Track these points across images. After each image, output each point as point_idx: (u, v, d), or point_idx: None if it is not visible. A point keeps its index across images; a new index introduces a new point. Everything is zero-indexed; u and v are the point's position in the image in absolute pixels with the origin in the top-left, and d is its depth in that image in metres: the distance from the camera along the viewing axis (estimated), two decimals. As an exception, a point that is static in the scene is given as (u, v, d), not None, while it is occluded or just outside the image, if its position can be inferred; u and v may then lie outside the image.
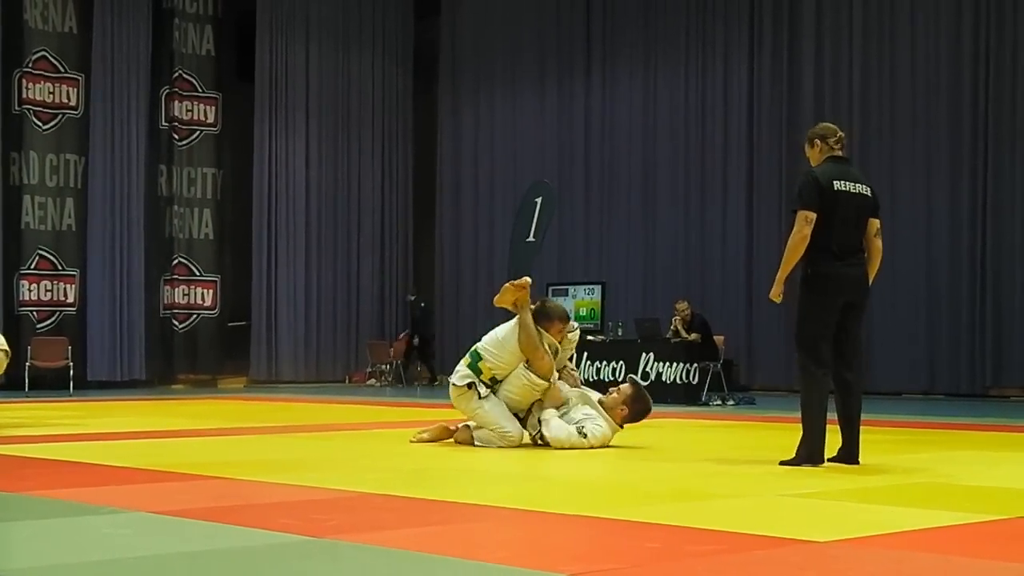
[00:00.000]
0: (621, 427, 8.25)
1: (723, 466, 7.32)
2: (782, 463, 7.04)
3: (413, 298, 23.16)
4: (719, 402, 15.55)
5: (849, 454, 7.08)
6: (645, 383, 8.55)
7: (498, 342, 8.34)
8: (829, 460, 7.05)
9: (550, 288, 17.50)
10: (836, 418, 7.11)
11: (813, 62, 18.96)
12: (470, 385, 8.29)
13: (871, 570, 3.95)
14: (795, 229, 7.01)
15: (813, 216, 6.97)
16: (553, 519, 4.99)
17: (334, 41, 23.45)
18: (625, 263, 21.01)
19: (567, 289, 17.48)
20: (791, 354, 19.02)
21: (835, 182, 7.05)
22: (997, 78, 17.09)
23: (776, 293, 7.15)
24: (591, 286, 17.52)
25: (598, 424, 8.10)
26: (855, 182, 7.14)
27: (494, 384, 8.33)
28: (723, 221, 19.86)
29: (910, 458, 7.53)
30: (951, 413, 13.32)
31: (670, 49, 20.75)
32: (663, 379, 15.75)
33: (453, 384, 8.41)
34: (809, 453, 6.99)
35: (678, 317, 16.37)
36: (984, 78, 17.20)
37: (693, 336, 16.09)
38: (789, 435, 9.99)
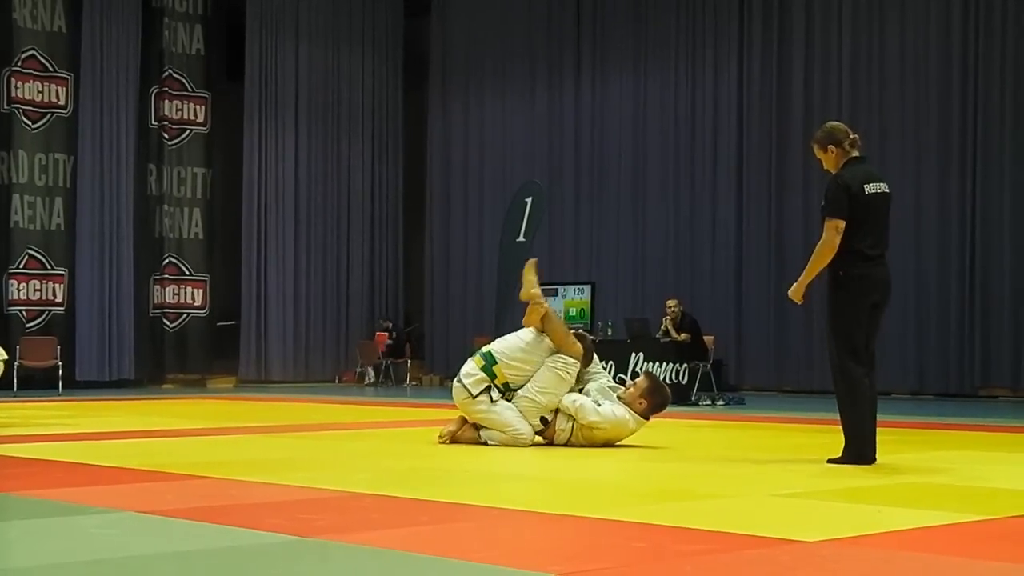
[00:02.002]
0: (647, 419, 8.29)
1: (712, 466, 7.32)
2: (829, 461, 7.04)
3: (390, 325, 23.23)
4: (708, 402, 15.56)
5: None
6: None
7: (522, 351, 8.30)
8: (828, 461, 7.09)
9: (540, 288, 17.49)
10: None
11: (803, 61, 18.99)
12: (486, 390, 8.27)
13: (860, 570, 3.95)
14: (825, 238, 7.03)
15: (843, 224, 6.98)
16: (541, 519, 4.99)
17: (324, 40, 23.44)
18: (615, 263, 21.02)
19: (557, 289, 17.47)
20: (780, 355, 19.18)
21: (866, 185, 7.07)
22: (986, 77, 17.12)
23: (798, 294, 7.20)
24: (581, 286, 17.52)
25: (617, 408, 8.14)
26: (879, 181, 7.17)
27: (507, 391, 8.30)
28: (712, 221, 19.88)
29: (899, 458, 7.53)
30: (940, 413, 13.35)
31: (660, 49, 20.76)
32: (653, 379, 15.74)
33: (464, 388, 8.31)
34: (859, 454, 7.00)
35: (668, 316, 16.37)
36: (973, 78, 17.23)
37: (683, 336, 16.09)
38: (779, 435, 10.01)
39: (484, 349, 8.48)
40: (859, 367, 7.04)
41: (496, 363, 8.28)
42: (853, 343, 7.05)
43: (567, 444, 8.20)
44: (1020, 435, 10.28)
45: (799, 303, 7.31)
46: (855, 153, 7.25)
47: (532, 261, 9.01)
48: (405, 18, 24.52)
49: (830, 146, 7.26)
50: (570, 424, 8.20)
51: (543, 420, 8.27)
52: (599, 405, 8.16)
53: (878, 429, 7.22)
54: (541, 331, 8.37)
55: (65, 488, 5.96)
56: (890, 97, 17.99)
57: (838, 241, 6.97)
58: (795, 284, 7.19)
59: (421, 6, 24.20)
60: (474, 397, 8.27)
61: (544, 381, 8.23)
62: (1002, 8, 17.07)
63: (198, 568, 3.95)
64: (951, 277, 17.23)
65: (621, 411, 8.16)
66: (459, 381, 8.39)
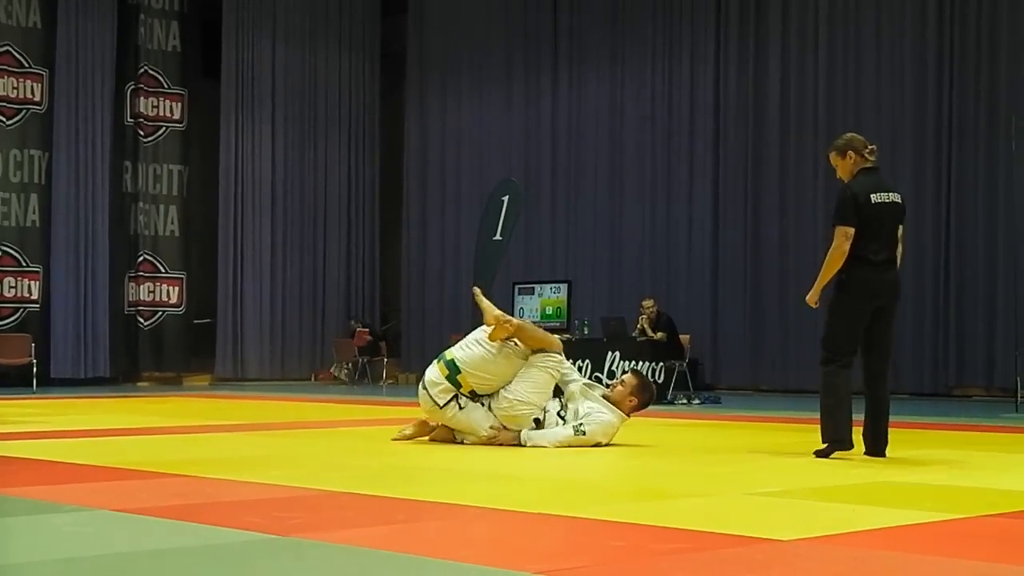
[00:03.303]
0: (628, 416, 8.28)
1: (688, 465, 7.34)
2: (816, 453, 7.37)
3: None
4: (684, 401, 15.58)
5: (876, 448, 7.51)
6: (610, 382, 8.55)
7: (487, 361, 8.13)
8: (814, 453, 7.41)
9: (516, 287, 17.49)
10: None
11: (779, 59, 19.04)
12: (453, 398, 8.18)
13: (835, 569, 3.96)
14: (835, 244, 7.35)
15: (852, 231, 7.32)
16: (519, 517, 4.99)
17: (301, 38, 23.41)
18: (591, 261, 21.04)
19: (533, 288, 17.46)
20: (756, 354, 19.20)
21: (872, 195, 7.39)
22: (961, 78, 17.18)
23: (814, 299, 7.57)
24: (557, 284, 17.51)
25: (601, 415, 8.07)
26: (888, 191, 7.49)
27: (475, 398, 8.18)
28: (689, 219, 19.91)
29: (874, 457, 7.56)
30: (915, 412, 13.38)
31: (637, 47, 20.79)
32: (629, 378, 15.74)
33: (431, 398, 8.19)
34: (837, 439, 7.35)
35: (644, 316, 16.39)
36: (948, 79, 17.29)
37: (659, 335, 16.11)
38: (754, 434, 10.03)
39: (447, 356, 8.28)
40: (841, 359, 7.43)
41: (460, 372, 8.15)
42: (839, 342, 7.43)
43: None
44: (993, 434, 10.33)
45: (815, 307, 7.65)
46: (871, 162, 7.56)
47: (476, 290, 8.96)
48: (382, 17, 24.52)
49: (849, 152, 7.56)
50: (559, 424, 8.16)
51: (536, 421, 8.15)
52: (581, 425, 8.03)
53: (859, 428, 7.50)
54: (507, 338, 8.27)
55: (39, 486, 5.94)
56: (866, 98, 18.04)
57: (847, 247, 7.31)
58: (811, 290, 7.55)
59: (398, 5, 24.19)
60: (441, 407, 8.20)
61: (536, 381, 8.13)
62: (976, 11, 17.14)
63: (173, 566, 3.93)
64: (926, 277, 17.30)
65: (605, 417, 8.12)
66: (424, 388, 8.27)
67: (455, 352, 8.30)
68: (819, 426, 7.50)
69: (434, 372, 8.26)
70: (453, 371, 8.16)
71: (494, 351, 8.18)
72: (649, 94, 20.63)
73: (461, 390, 8.16)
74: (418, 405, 8.54)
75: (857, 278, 7.34)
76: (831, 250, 7.35)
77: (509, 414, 8.13)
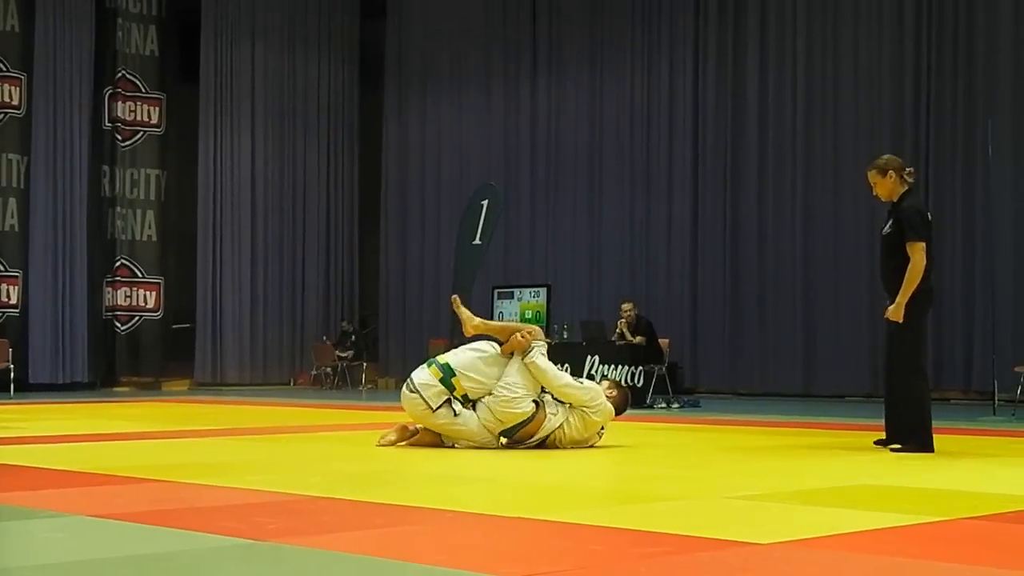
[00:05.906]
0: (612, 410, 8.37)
1: (667, 469, 7.34)
2: (893, 449, 7.98)
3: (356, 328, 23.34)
4: (664, 405, 15.60)
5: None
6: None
7: (483, 363, 8.20)
8: (892, 449, 8.03)
9: (496, 291, 17.50)
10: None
11: (757, 64, 19.09)
12: (447, 402, 8.13)
13: (812, 572, 3.97)
14: (915, 259, 7.81)
15: (926, 246, 7.83)
16: (496, 522, 4.99)
17: (279, 41, 23.37)
18: (571, 265, 21.05)
19: (513, 292, 17.47)
20: (735, 357, 19.21)
21: (928, 213, 7.97)
22: (938, 82, 17.25)
23: (899, 314, 7.91)
24: (536, 289, 17.54)
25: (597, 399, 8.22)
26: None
27: (466, 403, 8.17)
28: (668, 223, 19.94)
29: (852, 460, 7.59)
30: (893, 415, 13.40)
31: (615, 50, 20.82)
32: (608, 382, 15.76)
33: (423, 400, 8.11)
34: (925, 443, 7.99)
35: (623, 319, 16.40)
36: (926, 82, 17.36)
37: (638, 339, 16.12)
38: (733, 437, 10.05)
39: (440, 360, 8.28)
40: (924, 368, 8.13)
41: (455, 375, 8.14)
42: (921, 350, 8.10)
43: (545, 441, 8.15)
44: (971, 437, 10.36)
45: (900, 321, 7.92)
46: (910, 183, 8.06)
47: (455, 299, 9.10)
48: (361, 20, 24.51)
49: (890, 172, 8.03)
50: (560, 408, 8.13)
51: (535, 403, 8.12)
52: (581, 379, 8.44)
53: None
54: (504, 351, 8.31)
55: (15, 492, 5.90)
56: (844, 98, 18.10)
57: (926, 260, 7.79)
58: (893, 306, 7.90)
59: (377, 8, 24.19)
60: (434, 411, 8.14)
61: (525, 374, 8.16)
62: (953, 14, 17.20)
63: (150, 572, 3.92)
64: (904, 281, 17.33)
65: (595, 396, 8.24)
66: (414, 391, 8.17)
67: (448, 357, 8.33)
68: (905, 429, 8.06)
69: (425, 375, 8.22)
70: (448, 374, 8.15)
71: (488, 354, 8.25)
72: (628, 98, 20.66)
73: (455, 393, 8.14)
74: (401, 409, 8.51)
75: (926, 290, 7.91)
76: (913, 266, 7.77)
77: (508, 408, 8.07)
